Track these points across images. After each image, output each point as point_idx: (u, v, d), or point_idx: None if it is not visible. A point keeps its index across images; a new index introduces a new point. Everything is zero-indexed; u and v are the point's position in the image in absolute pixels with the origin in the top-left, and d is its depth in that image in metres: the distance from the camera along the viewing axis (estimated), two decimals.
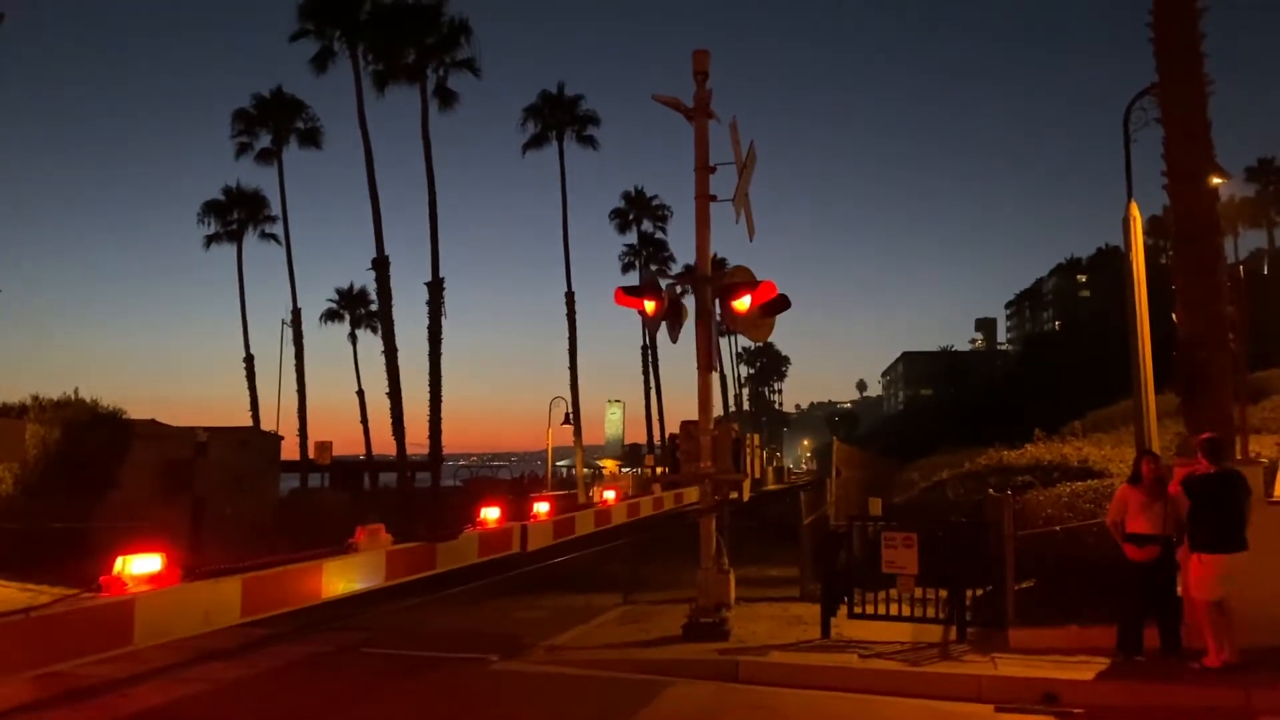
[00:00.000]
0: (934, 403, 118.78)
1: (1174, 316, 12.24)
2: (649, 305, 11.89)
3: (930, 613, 10.97)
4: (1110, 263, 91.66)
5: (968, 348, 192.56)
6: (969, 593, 11.05)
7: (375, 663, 10.84)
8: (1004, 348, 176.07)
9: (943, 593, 11.04)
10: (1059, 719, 8.18)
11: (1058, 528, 10.78)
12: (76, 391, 22.98)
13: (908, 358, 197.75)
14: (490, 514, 6.99)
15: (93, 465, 21.82)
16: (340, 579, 5.00)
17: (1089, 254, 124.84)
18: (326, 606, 5.93)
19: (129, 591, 3.75)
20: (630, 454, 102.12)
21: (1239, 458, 10.83)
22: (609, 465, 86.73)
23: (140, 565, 3.75)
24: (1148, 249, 12.50)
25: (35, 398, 22.31)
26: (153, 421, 25.73)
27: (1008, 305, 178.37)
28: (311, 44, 43.80)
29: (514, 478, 56.64)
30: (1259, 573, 8.96)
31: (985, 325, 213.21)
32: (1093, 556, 10.24)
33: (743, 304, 11.66)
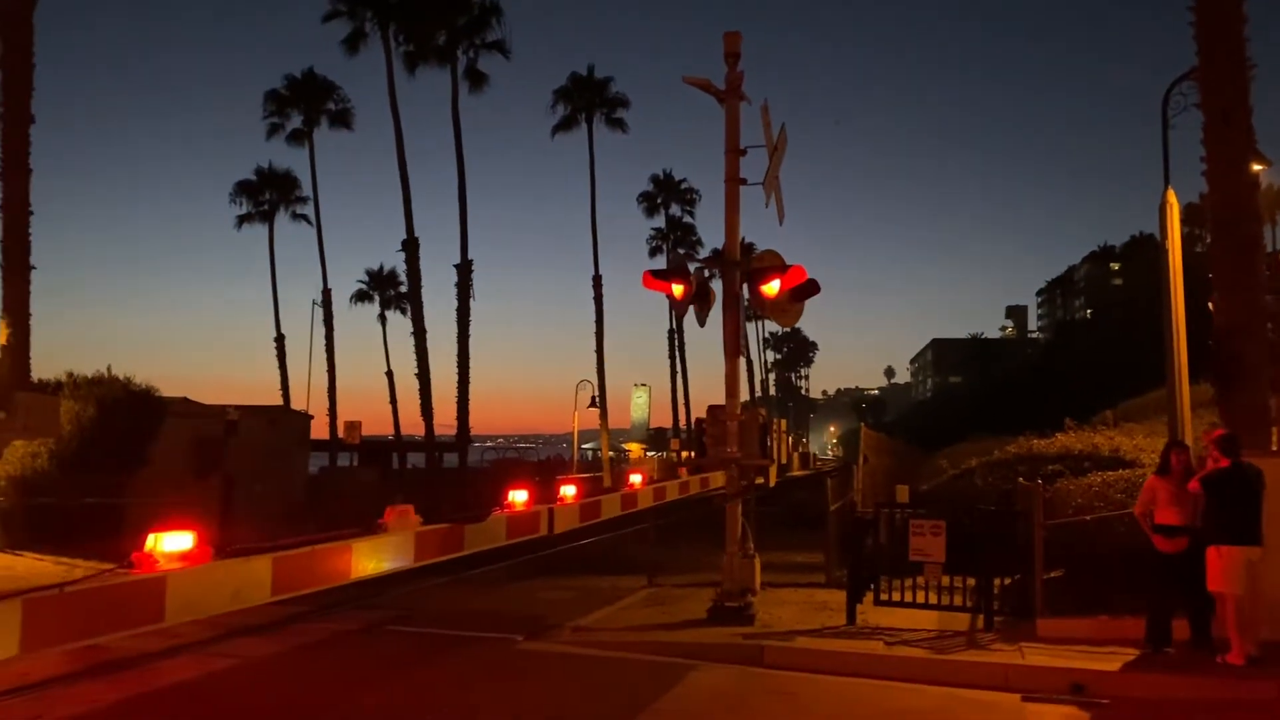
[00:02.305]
0: (963, 390, 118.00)
1: (1210, 305, 12.07)
2: (677, 289, 11.88)
3: (957, 601, 10.91)
4: (1144, 251, 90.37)
5: (998, 335, 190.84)
6: (997, 581, 10.98)
7: (402, 641, 10.95)
8: (1035, 336, 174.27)
9: (970, 581, 10.97)
10: (1086, 709, 8.12)
11: (1088, 517, 10.68)
12: (110, 369, 23.17)
13: (937, 344, 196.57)
14: (518, 496, 7.03)
15: (125, 442, 22.04)
16: (369, 559, 5.04)
17: (1122, 242, 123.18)
18: (353, 585, 5.99)
19: (160, 569, 3.80)
20: (656, 438, 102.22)
21: (1273, 449, 10.68)
22: (634, 449, 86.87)
23: (172, 543, 3.80)
24: (1183, 237, 12.32)
25: (70, 374, 22.52)
26: (185, 399, 26.00)
27: (1039, 293, 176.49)
28: (344, 25, 44.20)
29: (540, 460, 56.91)
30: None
31: (1016, 313, 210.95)
32: (1123, 547, 10.14)
33: (772, 288, 11.59)
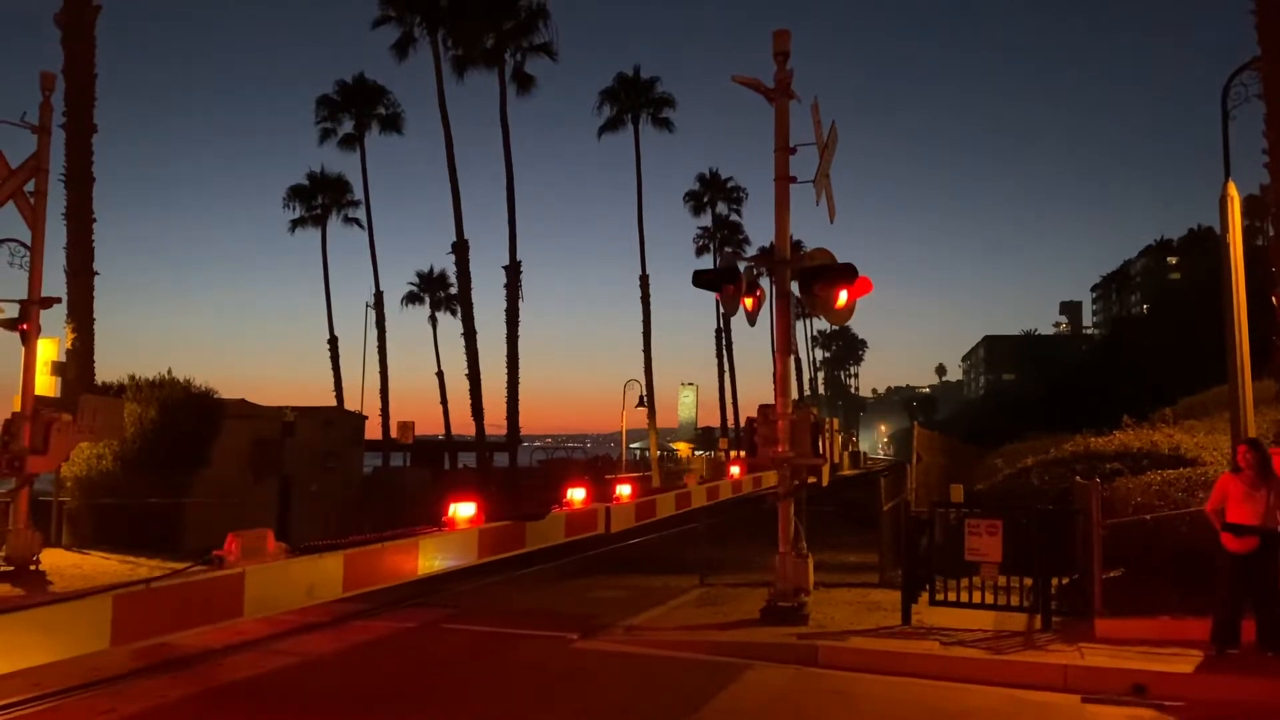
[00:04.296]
0: (1016, 388, 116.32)
1: (1273, 299, 11.84)
2: (727, 288, 11.89)
3: (1014, 601, 10.81)
4: (1202, 245, 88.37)
5: (1052, 331, 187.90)
6: (1054, 581, 10.86)
7: (459, 639, 11.09)
8: (1090, 332, 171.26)
9: (1027, 581, 10.86)
10: (1148, 711, 8.01)
11: (1148, 516, 10.52)
12: (170, 372, 23.71)
13: (989, 341, 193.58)
14: (576, 495, 7.12)
15: (186, 443, 22.53)
16: (435, 556, 5.15)
17: (1180, 235, 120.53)
18: (411, 583, 6.11)
19: (239, 565, 3.93)
20: (703, 437, 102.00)
21: None
22: (682, 448, 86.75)
23: (250, 540, 3.93)
24: (1243, 230, 12.07)
25: (132, 377, 23.06)
26: (243, 401, 26.47)
27: (1094, 288, 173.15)
28: (393, 30, 44.77)
29: (589, 459, 57.14)
30: None
31: (1070, 308, 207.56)
32: (1185, 546, 9.99)
33: (823, 286, 11.57)
